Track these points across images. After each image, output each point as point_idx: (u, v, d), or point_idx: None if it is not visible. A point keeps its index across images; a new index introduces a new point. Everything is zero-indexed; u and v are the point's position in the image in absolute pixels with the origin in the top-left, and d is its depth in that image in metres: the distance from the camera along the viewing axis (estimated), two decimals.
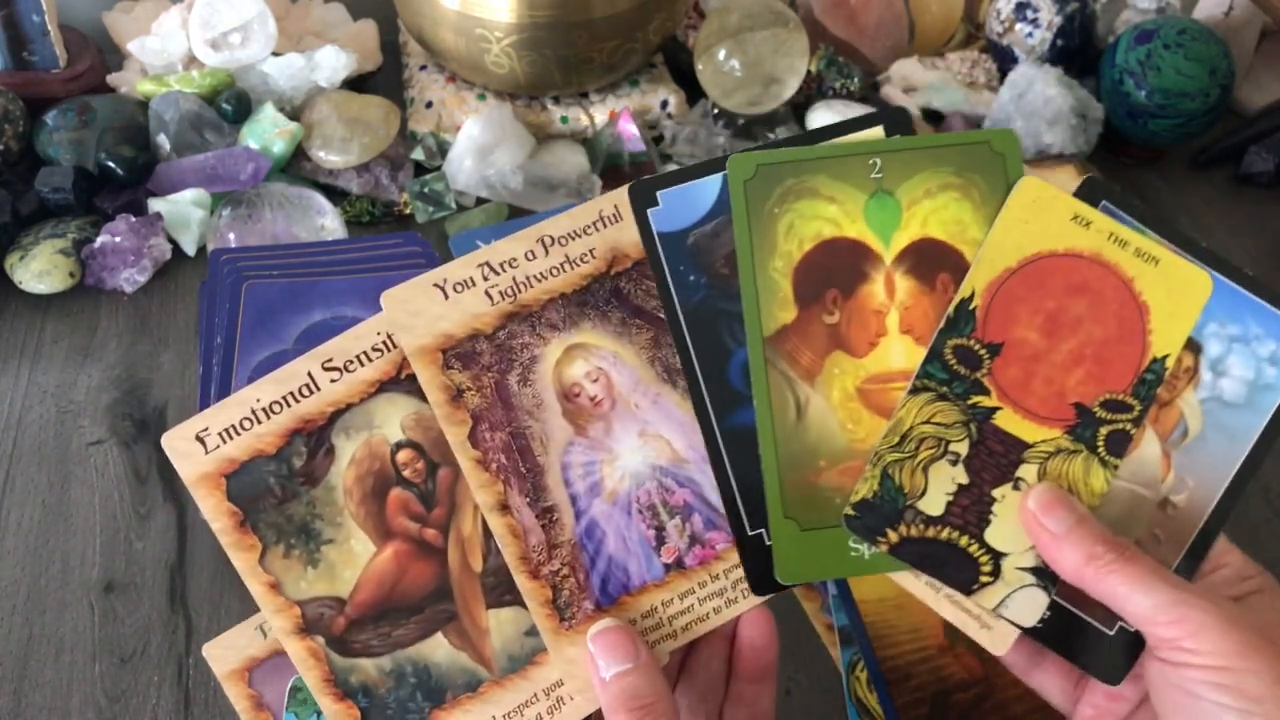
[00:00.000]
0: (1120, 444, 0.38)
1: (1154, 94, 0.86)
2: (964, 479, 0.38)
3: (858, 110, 0.87)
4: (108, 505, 0.63)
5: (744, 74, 0.85)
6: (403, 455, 0.38)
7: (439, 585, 0.38)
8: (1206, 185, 0.91)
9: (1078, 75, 0.91)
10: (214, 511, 0.37)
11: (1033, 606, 0.38)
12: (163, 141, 0.81)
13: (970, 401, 0.38)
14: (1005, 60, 0.94)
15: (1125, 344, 0.38)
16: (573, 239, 0.39)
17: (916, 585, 0.39)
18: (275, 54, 0.87)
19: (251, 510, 0.37)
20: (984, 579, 0.38)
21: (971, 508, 0.38)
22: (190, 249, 0.79)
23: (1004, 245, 0.38)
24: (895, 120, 0.40)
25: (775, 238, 0.39)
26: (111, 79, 0.87)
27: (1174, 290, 0.38)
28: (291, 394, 0.37)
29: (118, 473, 0.65)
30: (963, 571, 0.38)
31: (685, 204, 0.39)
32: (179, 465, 0.37)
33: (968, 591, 0.38)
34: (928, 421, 0.38)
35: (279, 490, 0.37)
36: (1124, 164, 0.92)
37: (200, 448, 0.37)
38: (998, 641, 0.38)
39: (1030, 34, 0.92)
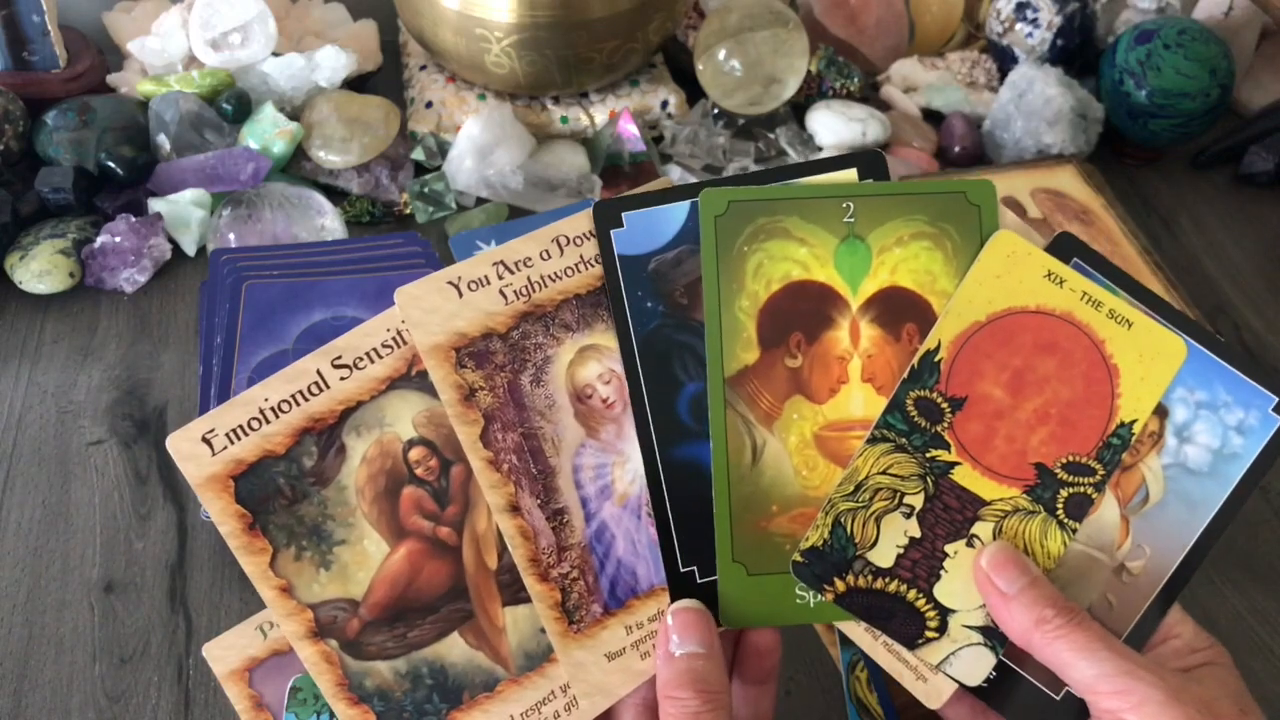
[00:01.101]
0: (1080, 507, 0.37)
1: (1154, 94, 0.86)
2: (916, 532, 0.37)
3: (858, 110, 0.87)
4: (108, 505, 0.63)
5: (744, 74, 0.85)
6: (415, 453, 0.38)
7: (454, 584, 0.38)
8: (1206, 185, 0.91)
9: (1078, 75, 0.91)
10: (222, 514, 0.36)
11: (979, 665, 0.37)
12: (163, 141, 0.81)
13: (929, 454, 0.38)
14: (1005, 60, 0.94)
15: (1092, 406, 0.38)
16: (588, 239, 0.39)
17: (855, 630, 0.38)
18: (275, 54, 0.87)
19: (261, 512, 0.36)
20: (930, 634, 0.37)
21: (922, 561, 0.37)
22: (190, 249, 0.79)
23: (974, 298, 0.38)
24: (870, 163, 0.40)
25: (743, 276, 0.38)
26: (111, 79, 0.87)
27: (1146, 354, 0.38)
28: (300, 392, 0.37)
29: (118, 473, 0.65)
30: (909, 626, 0.37)
31: (650, 228, 0.39)
32: (185, 468, 0.36)
33: (912, 646, 0.37)
34: (884, 472, 0.37)
35: (289, 491, 0.37)
36: (1124, 164, 0.92)
37: (207, 449, 0.36)
38: (932, 695, 0.38)
39: (1030, 34, 0.92)
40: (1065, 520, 0.37)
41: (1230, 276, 0.83)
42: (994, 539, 0.37)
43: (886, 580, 0.37)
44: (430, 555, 0.38)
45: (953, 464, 0.37)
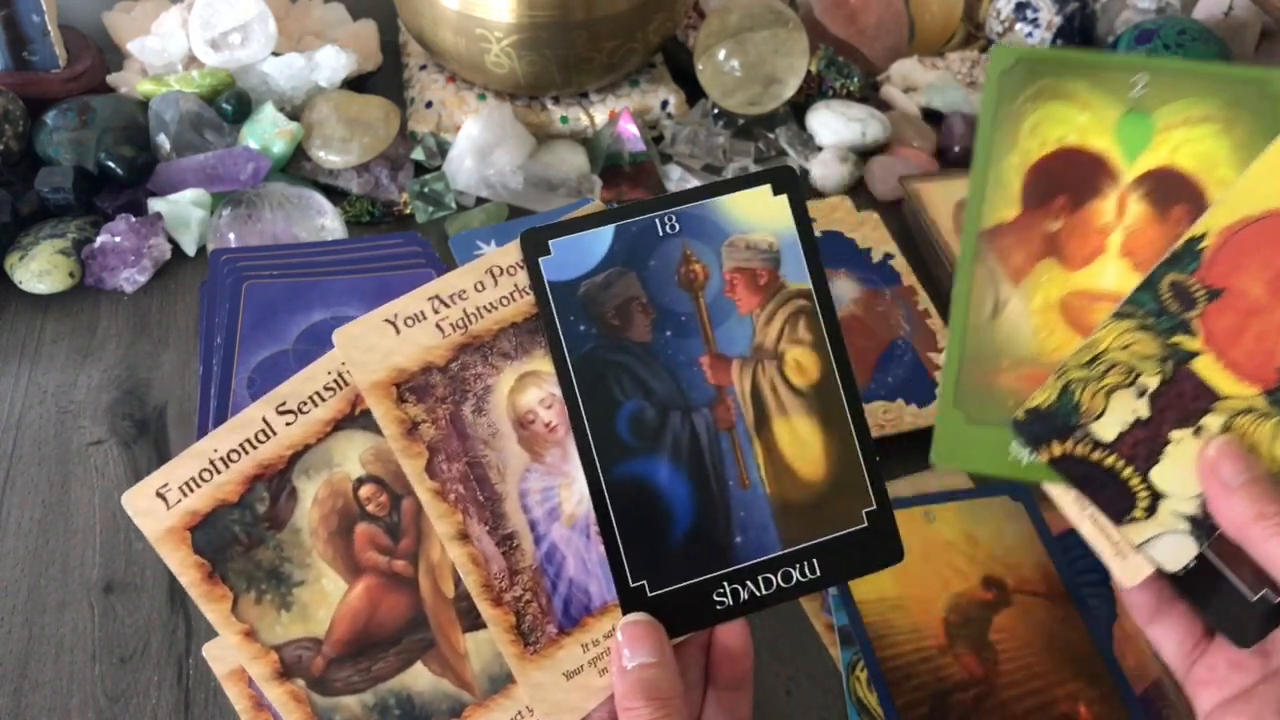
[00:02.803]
0: None
1: None
2: (1145, 413, 0.37)
3: (858, 110, 0.87)
4: (108, 505, 0.63)
5: (744, 74, 0.85)
6: (365, 490, 0.38)
7: (414, 615, 0.38)
8: None
9: None
10: (181, 565, 0.37)
11: (1180, 552, 0.37)
12: (163, 141, 0.81)
13: (1173, 340, 0.37)
14: None
15: None
16: (520, 268, 0.39)
17: (1065, 497, 0.38)
18: (275, 54, 0.87)
19: (219, 560, 0.37)
20: (1138, 514, 0.37)
21: (1145, 442, 0.37)
22: (190, 249, 0.79)
23: (1253, 192, 0.37)
24: (782, 179, 0.40)
25: (1018, 133, 0.38)
26: (111, 79, 0.87)
27: None
28: (248, 440, 0.38)
29: (118, 473, 0.65)
30: (1119, 501, 0.37)
31: (577, 254, 0.39)
32: (142, 524, 0.37)
33: (1118, 521, 0.37)
34: (1125, 348, 0.37)
35: (245, 537, 0.38)
36: None
37: (162, 504, 0.37)
38: (1129, 572, 0.38)
39: (1030, 34, 0.92)
40: None
41: None
42: (1222, 433, 0.37)
43: (1105, 453, 0.37)
44: (388, 589, 0.38)
45: (1195, 353, 0.37)
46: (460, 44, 0.83)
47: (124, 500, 0.37)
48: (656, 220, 0.39)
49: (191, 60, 0.87)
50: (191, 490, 0.37)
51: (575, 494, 0.39)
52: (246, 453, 0.37)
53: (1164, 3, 0.95)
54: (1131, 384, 0.37)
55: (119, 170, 0.79)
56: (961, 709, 0.52)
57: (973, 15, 1.02)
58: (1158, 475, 0.37)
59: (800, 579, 0.39)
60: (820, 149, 0.87)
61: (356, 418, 0.38)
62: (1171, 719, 0.54)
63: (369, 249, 0.68)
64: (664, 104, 0.90)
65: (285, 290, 0.63)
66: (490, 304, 0.39)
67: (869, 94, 0.93)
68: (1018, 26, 0.92)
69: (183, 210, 0.78)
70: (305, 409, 0.38)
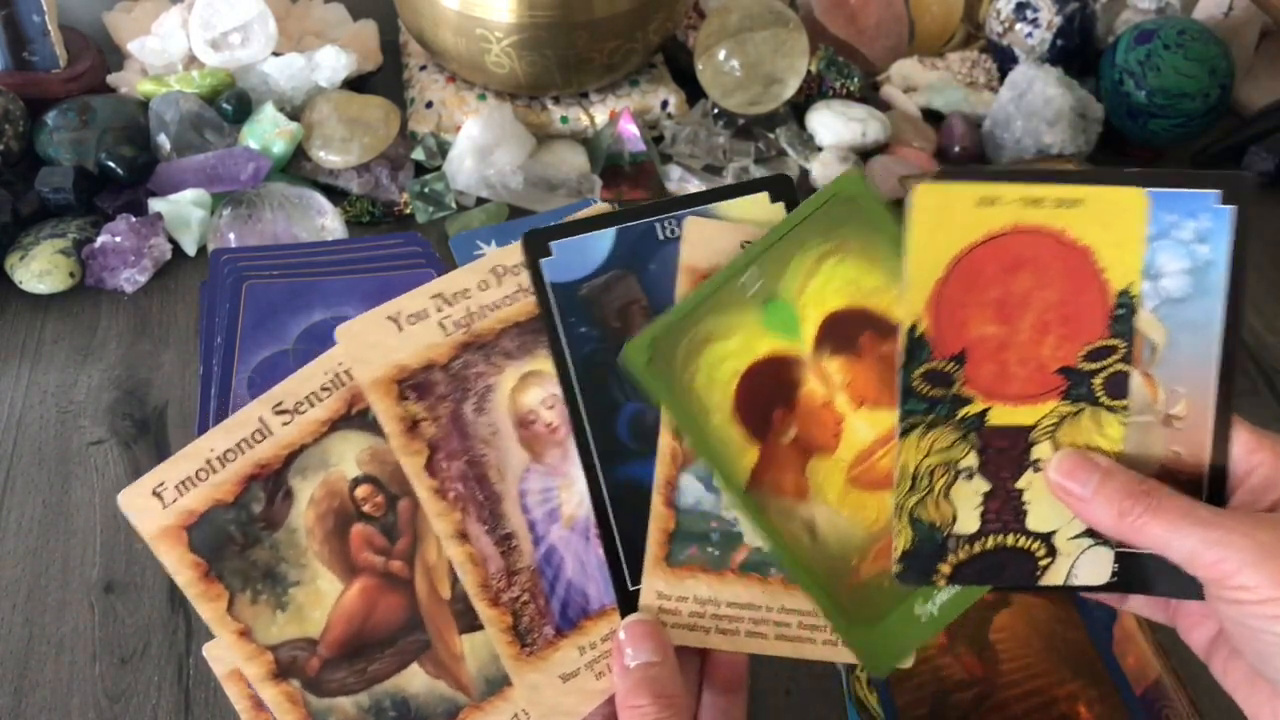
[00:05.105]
0: (1119, 385, 0.38)
1: (1154, 94, 0.86)
2: (985, 487, 0.38)
3: (858, 110, 0.87)
4: (108, 505, 0.63)
5: (744, 74, 0.85)
6: (361, 490, 0.38)
7: (409, 616, 0.38)
8: None
9: (1078, 75, 0.91)
10: (177, 564, 0.37)
11: (1100, 565, 0.38)
12: (163, 141, 0.81)
13: (959, 415, 0.38)
14: (1005, 60, 0.94)
15: (1084, 294, 0.37)
16: (524, 268, 0.39)
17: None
18: (275, 54, 0.87)
19: (215, 559, 0.37)
20: (1043, 563, 0.38)
21: (1005, 508, 0.38)
22: (190, 249, 0.79)
23: (924, 260, 0.37)
24: (778, 186, 0.40)
25: (696, 392, 0.38)
26: (111, 79, 0.87)
27: (1109, 221, 0.37)
28: (244, 440, 0.38)
29: (118, 473, 0.65)
30: (1022, 567, 0.38)
31: (579, 255, 0.39)
32: (137, 523, 0.37)
33: (1035, 581, 0.38)
34: (929, 453, 0.38)
35: (241, 537, 0.38)
36: (1124, 164, 0.92)
37: (158, 503, 0.37)
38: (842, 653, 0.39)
39: (1030, 34, 0.92)
40: (1111, 404, 0.38)
41: None
42: (1055, 452, 0.38)
43: (982, 541, 0.38)
44: (384, 589, 0.38)
45: (984, 410, 0.38)
46: (460, 44, 0.83)
47: (120, 499, 0.37)
48: (657, 224, 0.40)
49: (192, 60, 0.87)
50: (188, 489, 0.37)
51: (575, 495, 0.39)
52: (243, 452, 0.38)
53: (1164, 3, 0.95)
54: (957, 475, 0.38)
55: (119, 170, 0.79)
56: (961, 709, 0.52)
57: (973, 15, 1.02)
58: (1034, 522, 0.38)
59: None
60: (820, 149, 0.87)
61: (353, 418, 0.38)
62: (1171, 719, 0.54)
63: (369, 249, 0.68)
64: (664, 104, 0.90)
65: (285, 290, 0.63)
66: (493, 303, 0.39)
67: (869, 94, 0.93)
68: (1017, 26, 0.92)
69: (183, 210, 0.78)
70: (302, 409, 0.38)
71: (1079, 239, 0.37)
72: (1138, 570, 0.38)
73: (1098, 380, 0.38)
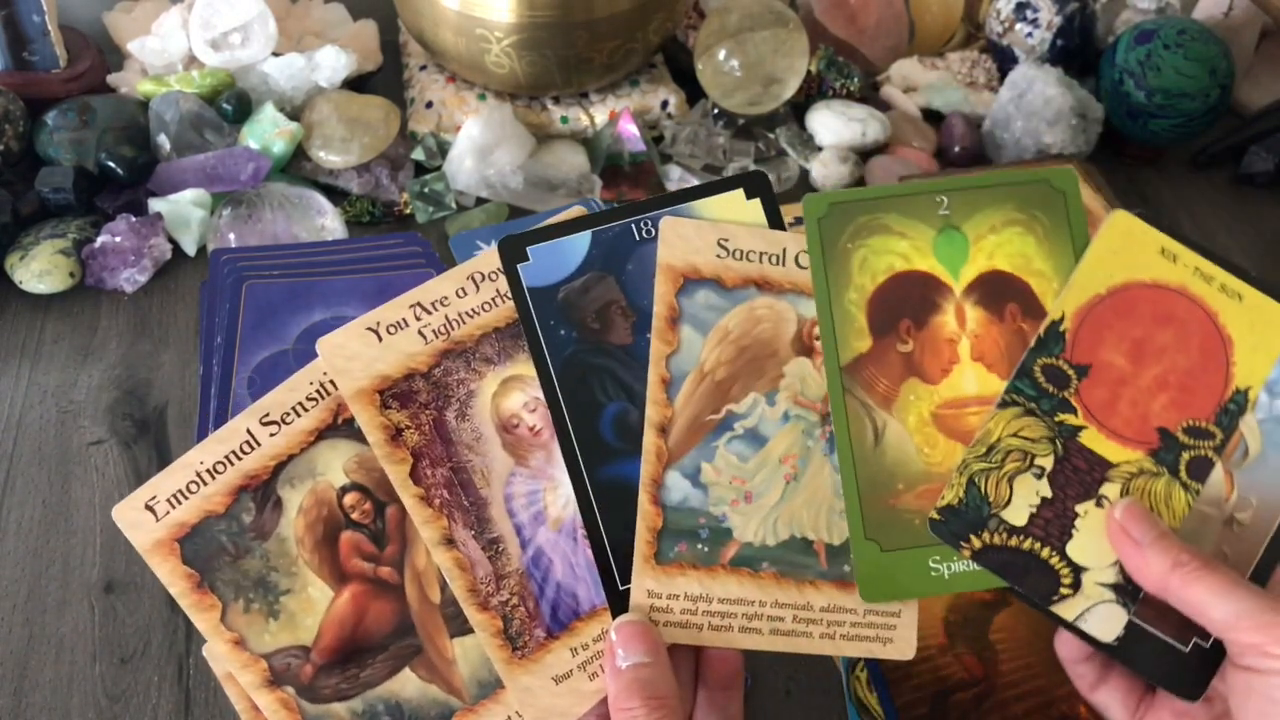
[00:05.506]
0: (1202, 469, 0.39)
1: (1154, 94, 0.86)
2: (1048, 492, 0.39)
3: (858, 110, 0.87)
4: (108, 505, 0.63)
5: (744, 74, 0.85)
6: (349, 498, 0.39)
7: (401, 621, 0.39)
8: (1206, 185, 0.91)
9: (1078, 75, 0.91)
10: (170, 576, 0.38)
11: (1111, 622, 0.38)
12: (163, 141, 0.81)
13: (1057, 418, 0.39)
14: (1005, 60, 0.94)
15: (1209, 374, 0.40)
16: (502, 274, 0.40)
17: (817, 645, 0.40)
18: (275, 54, 0.87)
19: (208, 570, 0.38)
20: (1064, 590, 0.39)
21: (1054, 520, 0.39)
22: (190, 249, 0.79)
23: (1095, 273, 0.40)
24: (755, 183, 0.41)
25: (850, 271, 0.40)
26: (111, 79, 0.87)
27: (1257, 325, 0.40)
28: (233, 452, 0.38)
29: (118, 473, 0.65)
30: (1044, 582, 0.39)
31: (555, 259, 0.40)
32: (131, 536, 0.37)
33: (1048, 602, 0.39)
34: (1015, 435, 0.39)
35: (232, 547, 0.38)
36: (1124, 164, 0.92)
37: (150, 516, 0.38)
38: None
39: (1030, 34, 0.92)
40: (1188, 481, 0.39)
41: None
42: (1122, 498, 0.39)
43: (1020, 538, 0.39)
44: (374, 595, 0.39)
45: (1080, 427, 0.39)
46: (460, 44, 0.83)
47: (114, 514, 0.37)
48: (633, 225, 0.40)
49: (192, 60, 0.87)
50: (179, 502, 0.38)
51: (561, 497, 0.39)
52: (232, 464, 0.38)
53: (1164, 3, 0.95)
54: (1029, 467, 0.39)
55: (119, 170, 0.79)
56: (961, 709, 0.52)
57: (973, 15, 1.02)
58: (1074, 550, 0.39)
59: None
60: (820, 149, 0.87)
61: (339, 427, 0.39)
62: None
63: (369, 249, 0.68)
64: (664, 104, 0.90)
65: (285, 290, 0.63)
66: (472, 310, 0.39)
67: (869, 94, 0.93)
68: (1018, 26, 0.92)
69: (183, 210, 0.78)
70: (289, 419, 0.38)
71: (1226, 326, 0.40)
72: (1141, 647, 0.38)
73: (1186, 455, 0.39)
